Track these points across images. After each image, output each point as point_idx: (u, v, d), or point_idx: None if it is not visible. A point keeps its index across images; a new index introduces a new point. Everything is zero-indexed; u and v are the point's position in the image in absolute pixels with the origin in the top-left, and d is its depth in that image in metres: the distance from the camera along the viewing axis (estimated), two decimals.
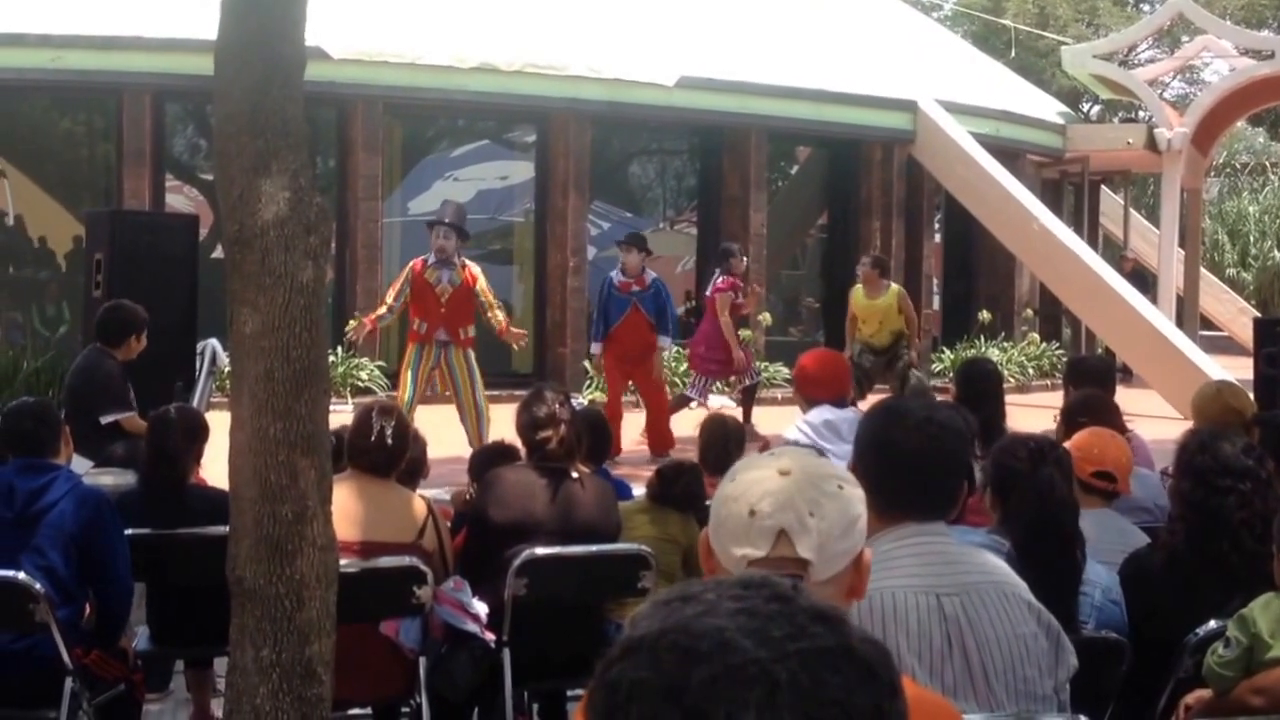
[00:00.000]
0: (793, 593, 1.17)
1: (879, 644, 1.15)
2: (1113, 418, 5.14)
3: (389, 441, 4.71)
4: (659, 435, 10.92)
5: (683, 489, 5.23)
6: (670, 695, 1.09)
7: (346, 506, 4.28)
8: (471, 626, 4.62)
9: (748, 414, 11.43)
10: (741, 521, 1.98)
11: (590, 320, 11.42)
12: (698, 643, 1.11)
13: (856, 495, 2.08)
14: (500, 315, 10.11)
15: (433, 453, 5.83)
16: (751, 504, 1.98)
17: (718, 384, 12.52)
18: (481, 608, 4.66)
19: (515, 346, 10.39)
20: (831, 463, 2.23)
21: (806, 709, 1.08)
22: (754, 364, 11.87)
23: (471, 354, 10.03)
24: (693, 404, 11.78)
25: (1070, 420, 5.15)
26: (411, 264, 10.11)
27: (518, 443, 5.05)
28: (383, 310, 10.22)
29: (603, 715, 1.12)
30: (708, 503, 5.70)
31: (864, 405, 11.34)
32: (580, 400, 10.19)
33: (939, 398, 8.24)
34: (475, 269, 10.11)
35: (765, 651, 1.10)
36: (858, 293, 12.24)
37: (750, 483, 2.01)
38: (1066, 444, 4.56)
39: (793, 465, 2.04)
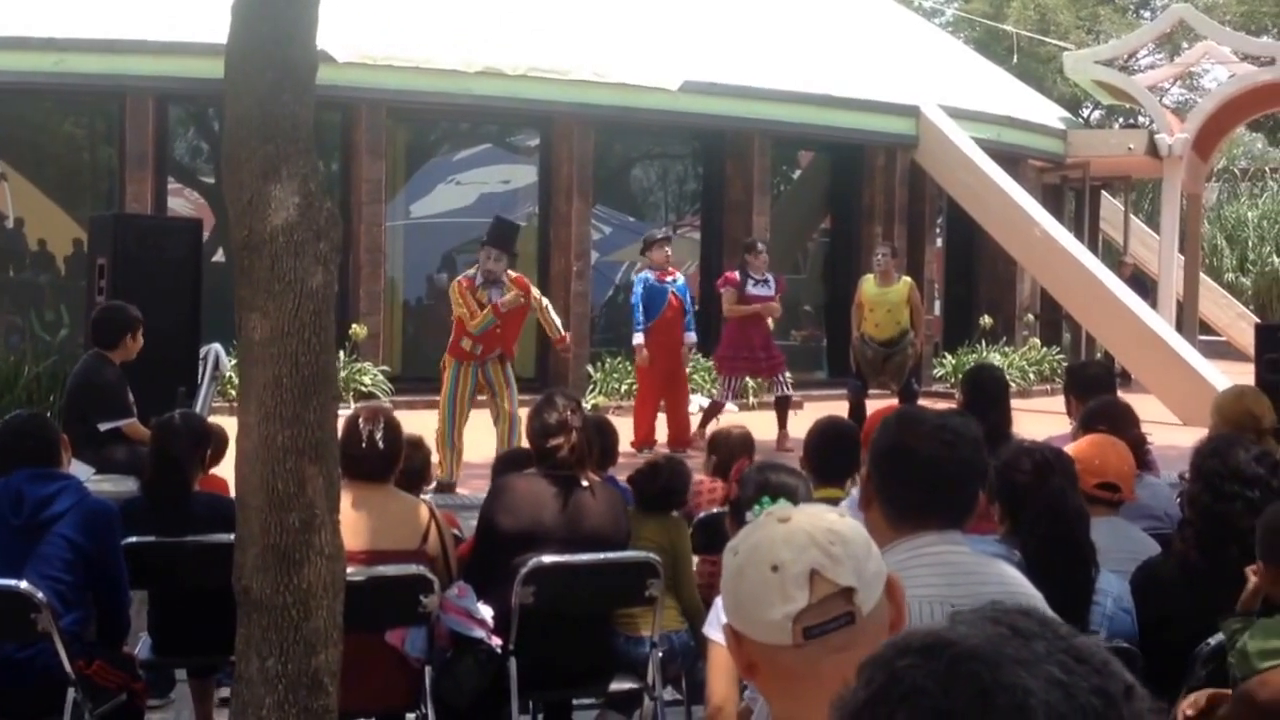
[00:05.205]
0: (1122, 698, 1.06)
1: None
2: (1130, 426, 5.06)
3: (380, 446, 4.62)
4: (680, 429, 11.40)
5: (663, 485, 5.20)
6: None
7: (347, 515, 4.19)
8: (479, 632, 4.57)
9: (783, 421, 11.49)
10: (767, 582, 1.86)
11: (628, 316, 11.96)
12: (996, 693, 1.02)
13: (857, 520, 2.00)
14: (557, 322, 10.23)
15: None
16: (771, 560, 1.87)
17: (747, 382, 12.69)
18: (487, 611, 4.61)
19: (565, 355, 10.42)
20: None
21: None
22: (784, 373, 11.99)
23: (509, 365, 9.78)
24: (725, 409, 12.08)
25: (1088, 428, 5.02)
26: (458, 281, 9.78)
27: None
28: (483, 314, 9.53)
29: (873, 694, 1.06)
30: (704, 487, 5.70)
31: (869, 395, 11.66)
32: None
33: (940, 405, 8.21)
34: (525, 279, 9.94)
35: None
36: (868, 282, 12.01)
37: (756, 545, 1.90)
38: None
39: (787, 512, 1.95)
